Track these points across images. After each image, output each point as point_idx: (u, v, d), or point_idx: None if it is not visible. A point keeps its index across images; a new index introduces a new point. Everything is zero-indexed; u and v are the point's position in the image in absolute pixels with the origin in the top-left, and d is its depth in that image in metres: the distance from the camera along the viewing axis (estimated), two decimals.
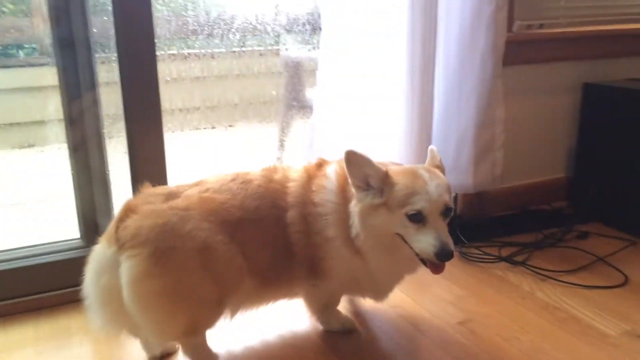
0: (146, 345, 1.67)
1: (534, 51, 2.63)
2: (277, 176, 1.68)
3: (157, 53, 1.99)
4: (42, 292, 1.97)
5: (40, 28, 2.17)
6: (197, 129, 2.53)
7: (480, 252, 2.37)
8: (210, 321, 1.56)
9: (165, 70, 2.30)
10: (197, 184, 1.63)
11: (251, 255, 1.56)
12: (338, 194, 1.61)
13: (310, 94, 2.60)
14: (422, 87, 2.12)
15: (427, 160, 1.69)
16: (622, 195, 2.61)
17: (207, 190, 1.59)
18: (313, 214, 1.61)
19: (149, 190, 1.61)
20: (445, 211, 1.51)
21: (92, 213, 2.09)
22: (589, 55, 2.77)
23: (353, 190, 1.56)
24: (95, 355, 1.73)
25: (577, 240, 2.51)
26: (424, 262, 1.54)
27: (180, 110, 2.48)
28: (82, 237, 2.10)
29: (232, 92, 2.57)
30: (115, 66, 1.97)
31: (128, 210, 1.49)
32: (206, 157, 2.60)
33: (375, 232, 1.55)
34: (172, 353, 1.71)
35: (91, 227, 2.09)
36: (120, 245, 1.43)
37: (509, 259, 2.32)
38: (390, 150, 2.21)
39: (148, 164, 2.07)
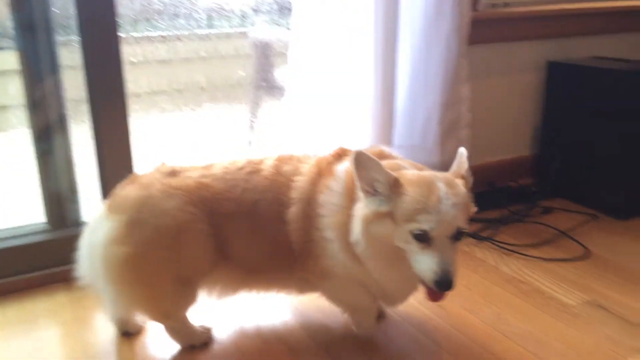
0: (114, 316, 1.69)
1: (499, 30, 2.66)
2: (287, 168, 1.60)
3: (122, 35, 1.97)
4: (8, 276, 1.95)
5: (1, 11, 2.12)
6: (164, 112, 2.52)
7: None
8: (174, 302, 1.56)
9: (130, 51, 2.28)
10: (205, 167, 1.61)
11: (241, 249, 1.56)
12: (344, 196, 1.48)
13: (279, 74, 2.60)
14: (385, 68, 2.13)
15: (453, 166, 1.50)
16: (584, 171, 2.66)
17: (208, 176, 1.57)
18: (315, 212, 1.52)
19: (163, 166, 1.63)
20: (457, 235, 1.36)
21: (58, 197, 2.07)
22: (553, 33, 2.81)
23: (360, 193, 1.42)
24: (63, 338, 1.73)
25: (542, 215, 2.57)
26: (423, 282, 1.40)
27: (147, 93, 2.46)
28: (47, 221, 2.08)
29: (199, 75, 2.55)
30: (77, 48, 1.94)
31: (130, 180, 1.59)
32: (174, 141, 2.59)
33: (376, 241, 1.41)
34: (140, 331, 1.72)
35: (56, 211, 2.07)
36: (109, 210, 1.51)
37: (475, 235, 2.36)
38: (356, 132, 2.22)
39: (113, 148, 2.05)
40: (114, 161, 2.05)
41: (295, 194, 1.54)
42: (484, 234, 2.37)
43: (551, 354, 1.63)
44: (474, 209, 1.45)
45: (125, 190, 1.54)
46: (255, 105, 2.72)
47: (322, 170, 1.56)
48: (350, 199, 1.46)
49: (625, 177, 2.52)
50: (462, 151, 1.50)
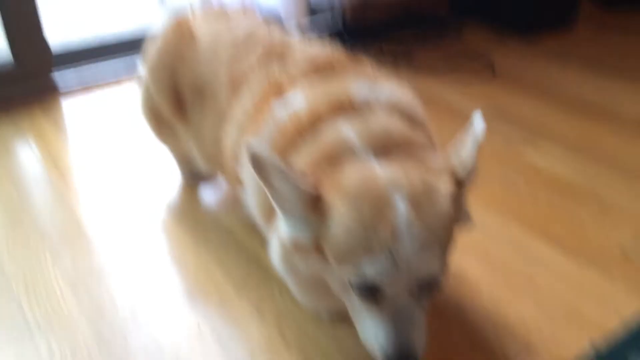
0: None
1: None
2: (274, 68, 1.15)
3: None
4: None
5: None
6: None
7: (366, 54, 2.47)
8: (157, 131, 1.54)
9: None
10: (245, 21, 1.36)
11: (192, 119, 1.37)
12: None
13: None
14: None
15: (454, 145, 0.92)
16: None
17: (227, 32, 1.30)
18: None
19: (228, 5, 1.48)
20: (425, 287, 0.85)
21: None
22: None
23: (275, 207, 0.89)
24: None
25: (454, 36, 2.68)
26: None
27: None
28: None
29: None
30: None
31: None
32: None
33: (301, 276, 0.98)
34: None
35: None
36: None
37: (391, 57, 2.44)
38: None
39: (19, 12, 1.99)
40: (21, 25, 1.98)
41: (235, 113, 1.12)
42: (400, 59, 2.45)
43: None
44: (465, 222, 0.91)
45: None
46: None
47: (265, 98, 1.06)
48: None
49: None
50: (477, 119, 0.92)
